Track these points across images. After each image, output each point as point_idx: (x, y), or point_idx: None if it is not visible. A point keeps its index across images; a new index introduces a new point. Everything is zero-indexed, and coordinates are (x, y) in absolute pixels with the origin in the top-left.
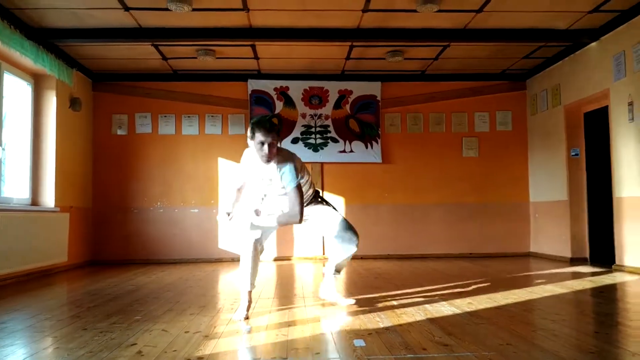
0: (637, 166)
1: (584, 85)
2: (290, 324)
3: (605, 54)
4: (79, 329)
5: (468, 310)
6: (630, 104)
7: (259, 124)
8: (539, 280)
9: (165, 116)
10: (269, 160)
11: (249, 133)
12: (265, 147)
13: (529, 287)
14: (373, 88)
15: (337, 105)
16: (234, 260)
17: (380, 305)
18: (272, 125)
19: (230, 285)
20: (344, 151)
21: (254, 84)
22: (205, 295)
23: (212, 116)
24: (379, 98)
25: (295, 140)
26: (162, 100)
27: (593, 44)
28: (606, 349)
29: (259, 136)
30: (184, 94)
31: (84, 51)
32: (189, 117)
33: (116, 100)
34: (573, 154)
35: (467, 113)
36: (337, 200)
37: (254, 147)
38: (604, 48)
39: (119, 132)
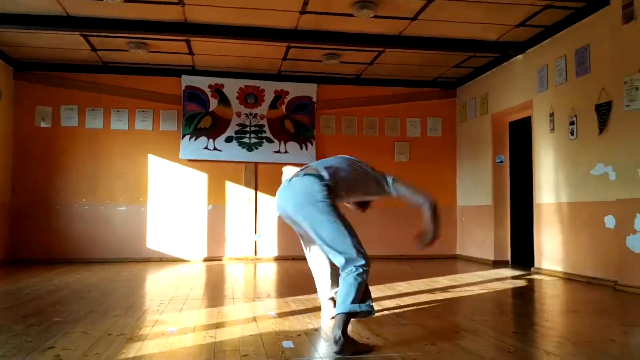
0: (556, 175)
1: (510, 95)
2: (218, 325)
3: (530, 66)
4: None
5: (395, 311)
6: (552, 115)
7: None
8: (463, 282)
9: (93, 109)
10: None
11: None
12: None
13: (454, 289)
14: (309, 89)
15: (273, 105)
16: (162, 260)
17: (310, 306)
18: None
19: (158, 286)
20: (278, 151)
21: (187, 80)
22: (131, 296)
23: (142, 111)
24: (314, 100)
25: (229, 139)
26: (90, 92)
27: (519, 56)
28: (523, 349)
29: None
30: (114, 87)
31: (3, 38)
32: (118, 111)
33: (41, 91)
34: (498, 161)
35: (399, 118)
36: (270, 201)
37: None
38: (529, 61)
39: (43, 124)
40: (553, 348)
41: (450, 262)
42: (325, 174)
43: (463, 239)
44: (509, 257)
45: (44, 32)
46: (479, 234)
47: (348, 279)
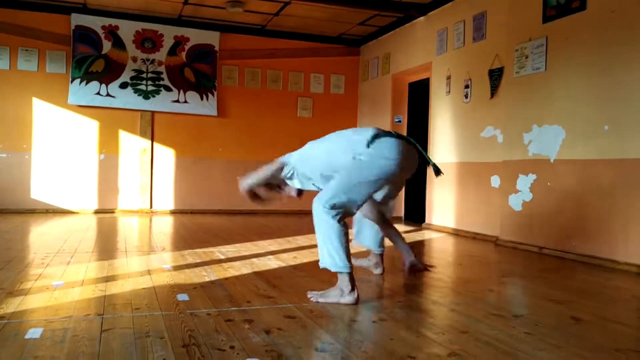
0: (449, 135)
1: (411, 56)
2: (109, 279)
3: (431, 29)
4: None
5: (293, 263)
6: (448, 78)
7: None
8: None
9: None
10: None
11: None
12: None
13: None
14: (211, 37)
15: (172, 51)
16: (49, 211)
17: (207, 259)
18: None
19: (43, 238)
20: (177, 101)
21: (78, 19)
22: (12, 248)
23: (26, 50)
24: (217, 49)
25: (124, 85)
26: None
27: (421, 18)
28: (411, 298)
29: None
30: None
31: None
32: None
33: None
34: (397, 120)
35: (303, 73)
36: (167, 153)
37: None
38: (430, 23)
39: None
40: (439, 297)
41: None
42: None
43: None
44: (402, 213)
45: None
46: None
47: None
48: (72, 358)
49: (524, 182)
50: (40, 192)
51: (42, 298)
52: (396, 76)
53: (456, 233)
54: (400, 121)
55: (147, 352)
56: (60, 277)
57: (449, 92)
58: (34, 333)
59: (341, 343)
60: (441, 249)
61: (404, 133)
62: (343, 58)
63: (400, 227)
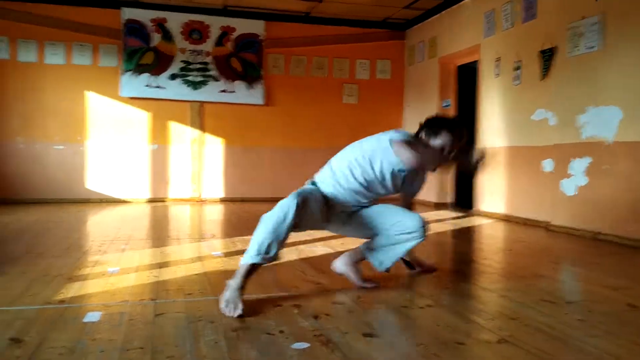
0: (499, 119)
1: (458, 39)
2: (162, 265)
3: (478, 10)
4: None
5: (340, 250)
6: (497, 60)
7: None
8: None
9: (25, 41)
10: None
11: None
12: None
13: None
14: (256, 27)
15: (219, 42)
16: (103, 201)
17: None
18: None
19: (98, 227)
20: (225, 91)
21: (128, 13)
22: (70, 237)
23: (80, 45)
24: (262, 37)
25: (173, 77)
26: (21, 23)
27: (468, 0)
28: (460, 285)
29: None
30: (48, 18)
31: None
32: (53, 44)
33: None
34: (445, 105)
35: (348, 59)
36: (216, 142)
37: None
38: (477, 5)
39: None
40: (489, 284)
41: (393, 203)
42: None
43: None
44: (450, 200)
45: None
46: None
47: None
48: (128, 341)
49: (578, 166)
50: (94, 182)
51: (99, 283)
52: (443, 60)
53: (506, 219)
54: (448, 105)
55: (199, 336)
56: (116, 264)
57: (498, 74)
58: (92, 317)
59: (389, 329)
60: (491, 235)
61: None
62: (388, 42)
63: (448, 214)
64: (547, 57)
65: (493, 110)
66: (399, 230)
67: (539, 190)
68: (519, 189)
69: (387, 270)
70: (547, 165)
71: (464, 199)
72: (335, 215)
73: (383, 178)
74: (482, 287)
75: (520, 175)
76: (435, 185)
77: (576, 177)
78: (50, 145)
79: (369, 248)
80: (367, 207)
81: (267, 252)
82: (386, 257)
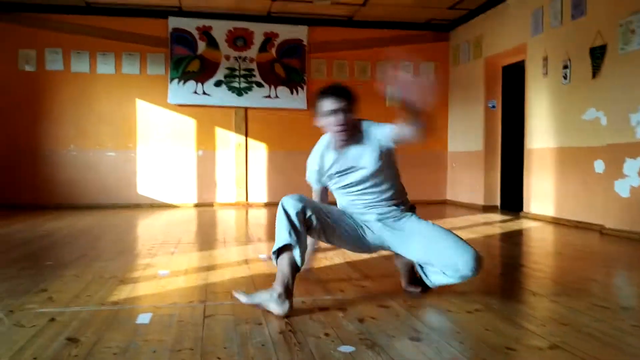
0: (547, 119)
1: (504, 39)
2: (210, 268)
3: (524, 8)
4: None
5: (385, 254)
6: (545, 59)
7: (326, 91)
8: (452, 226)
9: (78, 52)
10: (342, 135)
11: (316, 108)
12: (340, 115)
13: None
14: (299, 32)
15: (263, 48)
16: (153, 205)
17: None
18: (343, 90)
19: (149, 230)
20: (269, 96)
21: (174, 22)
22: (122, 240)
23: (129, 54)
24: (305, 43)
25: (218, 83)
26: (75, 35)
27: None
28: (509, 289)
29: (327, 104)
30: (99, 29)
31: None
32: (104, 54)
33: (23, 33)
34: (490, 105)
35: (392, 62)
36: (260, 147)
37: (324, 125)
38: (523, 3)
39: (27, 68)
40: (538, 288)
41: (440, 207)
42: None
43: (453, 184)
44: (498, 202)
45: None
46: (469, 180)
47: None
48: (178, 342)
49: (633, 167)
50: (145, 187)
51: (150, 286)
52: (489, 60)
53: (556, 222)
54: (494, 106)
55: (246, 338)
56: (166, 267)
57: (546, 73)
58: (143, 318)
59: (436, 333)
60: (540, 238)
61: (499, 119)
62: (432, 44)
63: (496, 216)
64: (598, 55)
65: (541, 110)
66: (448, 266)
67: (590, 192)
68: (569, 191)
69: (435, 286)
70: (599, 166)
71: (511, 202)
72: (369, 230)
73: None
74: (532, 292)
75: (570, 177)
76: (483, 188)
77: (630, 178)
78: (103, 152)
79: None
80: (405, 218)
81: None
82: (436, 279)
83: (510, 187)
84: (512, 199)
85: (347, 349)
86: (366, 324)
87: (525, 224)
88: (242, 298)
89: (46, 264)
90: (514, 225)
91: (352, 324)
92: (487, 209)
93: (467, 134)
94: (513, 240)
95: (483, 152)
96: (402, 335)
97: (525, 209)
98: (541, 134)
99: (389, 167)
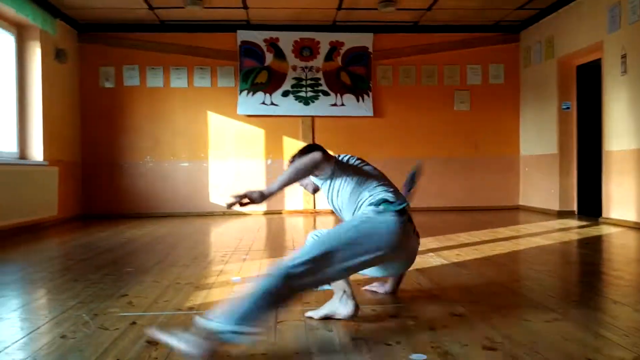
0: (628, 120)
1: (578, 37)
2: None
3: (599, 5)
4: (70, 280)
5: (455, 261)
6: (624, 56)
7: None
8: (526, 232)
9: (153, 68)
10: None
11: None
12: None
13: (516, 239)
14: (365, 40)
15: (329, 57)
16: (225, 214)
17: None
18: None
19: (221, 238)
20: (335, 104)
21: (243, 35)
22: (196, 247)
23: (201, 68)
24: (370, 50)
25: (285, 94)
26: (150, 52)
27: None
28: (589, 297)
29: None
30: (172, 45)
31: (67, 0)
32: (177, 69)
33: (103, 52)
34: (564, 107)
35: (459, 66)
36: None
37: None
38: None
39: (107, 84)
40: (621, 297)
41: (513, 212)
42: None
43: (526, 189)
44: (575, 207)
45: None
46: (544, 184)
47: None
48: (251, 346)
49: None
50: (216, 196)
51: (223, 291)
52: (562, 60)
53: (638, 227)
54: (568, 107)
55: (317, 344)
56: (238, 273)
57: (625, 71)
58: None
59: (511, 343)
60: (621, 245)
61: (574, 120)
62: (501, 46)
63: (573, 222)
64: None
65: (620, 110)
66: None
67: None
68: None
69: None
70: None
71: (589, 207)
72: None
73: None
74: (613, 300)
75: None
76: (558, 192)
77: None
78: (177, 162)
79: None
80: None
81: None
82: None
83: (588, 191)
84: (589, 203)
85: (418, 357)
86: (438, 332)
87: (604, 229)
88: (313, 314)
89: (127, 270)
90: (592, 231)
91: (423, 332)
92: (563, 214)
93: (541, 137)
94: (592, 247)
95: (558, 155)
96: (476, 344)
97: (604, 214)
98: (621, 135)
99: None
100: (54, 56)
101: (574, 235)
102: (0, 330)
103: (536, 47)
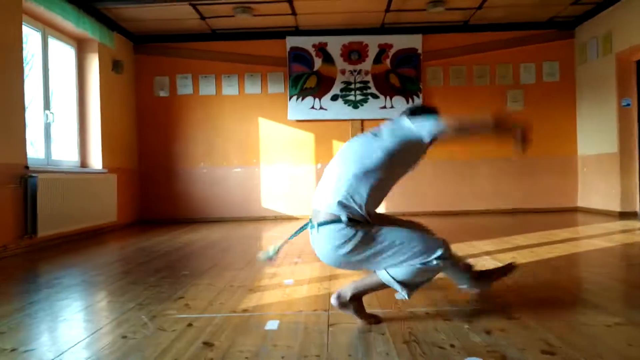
0: None
1: (637, 31)
2: (332, 277)
3: None
4: (129, 283)
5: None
6: None
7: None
8: (585, 234)
9: (205, 77)
10: None
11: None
12: None
13: (575, 242)
14: (414, 41)
15: (377, 60)
16: (277, 218)
17: None
18: None
19: (272, 242)
20: (384, 107)
21: (292, 41)
22: (249, 251)
23: (251, 75)
24: (420, 51)
25: (334, 98)
26: (202, 60)
27: None
28: None
29: None
30: (223, 53)
31: (123, 13)
32: (228, 76)
33: (157, 62)
34: (624, 104)
35: (512, 64)
36: None
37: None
38: None
39: (161, 93)
40: None
41: (571, 214)
42: (344, 202)
43: (585, 190)
44: (637, 208)
45: (156, 5)
46: (604, 184)
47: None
48: (305, 348)
49: None
50: (268, 201)
51: (276, 294)
52: (620, 55)
53: None
54: (628, 104)
55: (370, 347)
56: (290, 276)
57: None
58: (272, 325)
59: (571, 347)
60: None
61: (634, 117)
62: (555, 43)
63: (636, 224)
64: None
65: None
66: None
67: None
68: None
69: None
70: None
71: None
72: None
73: None
74: None
75: None
76: (619, 193)
77: None
78: (230, 168)
79: None
80: None
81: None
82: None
83: None
84: None
85: None
86: (494, 335)
87: None
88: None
89: (183, 274)
90: None
91: (478, 335)
92: (625, 215)
93: (599, 136)
94: None
95: (618, 154)
96: (533, 348)
97: None
98: None
99: None
100: (112, 68)
101: (637, 237)
102: (66, 330)
103: (592, 42)
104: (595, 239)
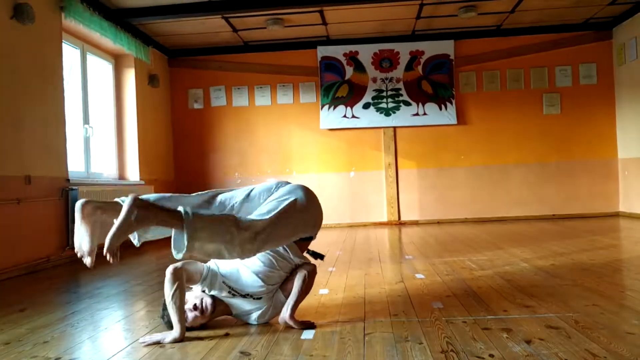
0: None
1: None
2: (367, 286)
3: None
4: None
5: (550, 271)
6: None
7: None
8: (628, 240)
9: (238, 88)
10: None
11: None
12: None
13: (617, 248)
14: (446, 47)
15: (409, 67)
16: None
17: (457, 268)
18: None
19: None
20: (417, 114)
21: (323, 51)
22: None
23: (283, 86)
24: (452, 57)
25: (366, 106)
26: (235, 72)
27: None
28: None
29: None
30: (256, 65)
31: (158, 28)
32: (261, 87)
33: (191, 75)
34: None
35: (547, 67)
36: (410, 165)
37: None
38: None
39: (196, 106)
40: None
41: (612, 220)
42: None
43: (627, 194)
44: None
45: (190, 19)
46: None
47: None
48: (341, 357)
49: None
50: None
51: (311, 304)
52: None
53: None
54: None
55: (407, 356)
56: (325, 285)
57: None
58: (308, 334)
59: (616, 357)
60: None
61: None
62: (592, 45)
63: None
64: None
65: None
66: None
67: None
68: None
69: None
70: None
71: None
72: None
73: None
74: None
75: None
76: None
77: None
78: (263, 178)
79: None
80: None
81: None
82: None
83: None
84: None
85: None
86: (534, 345)
87: None
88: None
89: None
90: None
91: (518, 345)
92: None
93: None
94: None
95: None
96: (576, 358)
97: None
98: None
99: None
100: (147, 81)
101: None
102: (107, 339)
103: (631, 43)
104: (639, 245)
